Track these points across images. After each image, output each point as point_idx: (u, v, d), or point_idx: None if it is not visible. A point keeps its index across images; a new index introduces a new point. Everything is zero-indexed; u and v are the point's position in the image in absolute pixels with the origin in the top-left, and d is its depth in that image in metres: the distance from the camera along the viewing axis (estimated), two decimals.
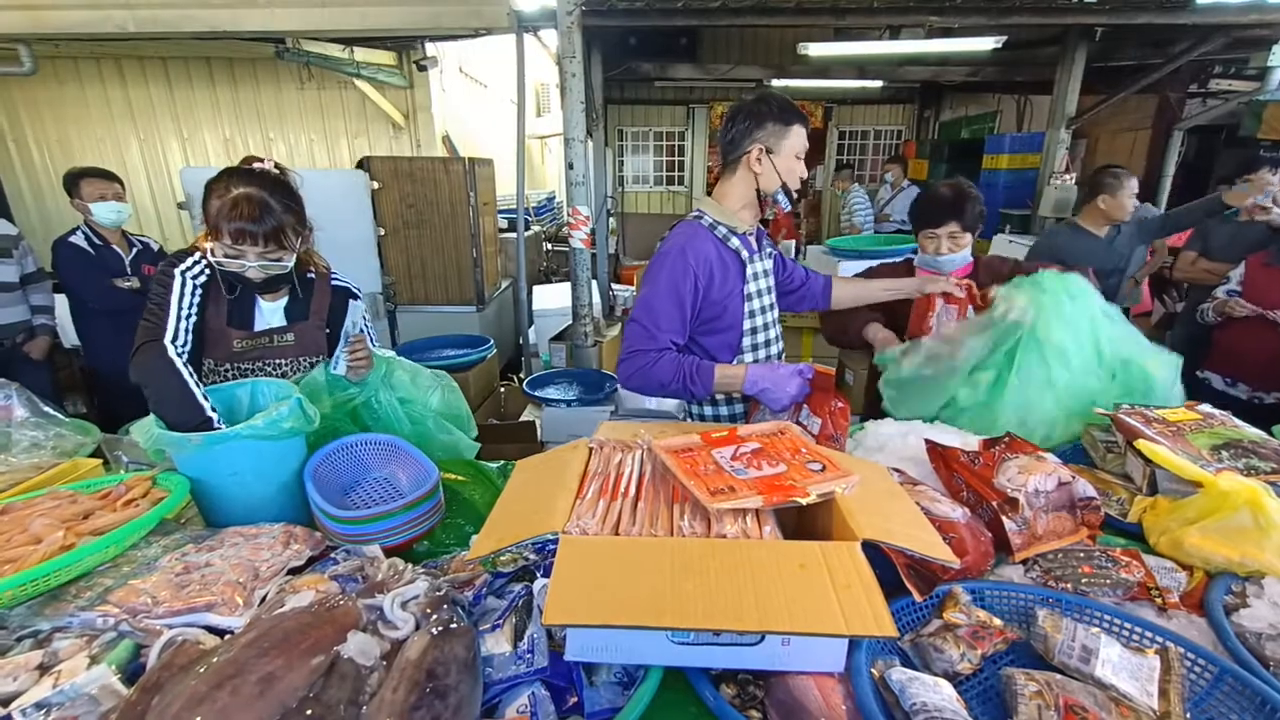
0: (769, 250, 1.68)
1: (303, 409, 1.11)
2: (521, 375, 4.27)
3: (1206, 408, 1.34)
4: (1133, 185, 3.04)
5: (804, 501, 0.85)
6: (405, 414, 1.45)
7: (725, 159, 1.52)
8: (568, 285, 3.79)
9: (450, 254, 4.31)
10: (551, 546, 0.86)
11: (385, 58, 5.26)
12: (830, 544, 0.79)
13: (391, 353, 1.51)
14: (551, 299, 4.53)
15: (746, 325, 1.55)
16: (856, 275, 2.17)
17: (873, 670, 0.74)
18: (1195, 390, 1.94)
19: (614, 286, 5.88)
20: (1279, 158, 4.38)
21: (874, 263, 4.29)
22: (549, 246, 6.65)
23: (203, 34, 4.40)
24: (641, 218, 9.22)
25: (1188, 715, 0.72)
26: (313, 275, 1.52)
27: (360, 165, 4.17)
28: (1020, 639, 0.83)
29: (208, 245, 1.34)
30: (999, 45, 5.29)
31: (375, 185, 4.03)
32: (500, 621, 0.81)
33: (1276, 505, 0.92)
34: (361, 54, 5.05)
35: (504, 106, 7.29)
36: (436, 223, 4.23)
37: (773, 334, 1.64)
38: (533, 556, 0.97)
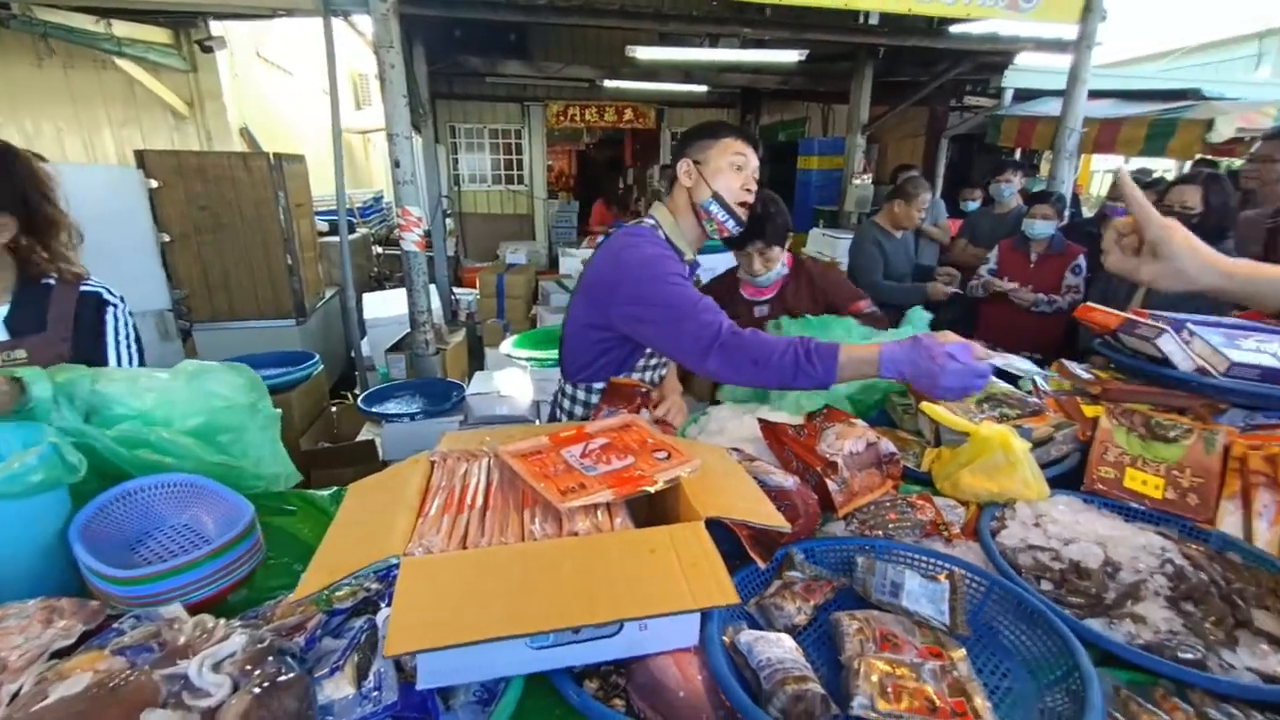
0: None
1: (60, 456, 0.91)
2: (356, 391, 3.93)
3: None
4: (924, 199, 3.28)
5: (652, 490, 0.87)
6: (121, 437, 1.06)
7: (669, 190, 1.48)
8: (403, 291, 3.55)
9: (259, 261, 3.80)
10: (395, 573, 0.80)
11: (157, 35, 4.50)
12: (677, 526, 0.82)
13: (79, 369, 1.10)
14: (385, 307, 4.22)
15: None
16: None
17: (724, 637, 0.79)
18: None
19: (455, 290, 5.64)
20: (1019, 161, 5.44)
21: (714, 256, 4.47)
22: (379, 250, 6.18)
23: None
24: (481, 218, 8.92)
25: (967, 622, 0.87)
26: (52, 281, 1.27)
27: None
28: (846, 585, 0.94)
29: None
30: (803, 58, 5.91)
31: (154, 184, 3.43)
32: (340, 663, 0.73)
33: (1020, 444, 1.14)
34: (124, 28, 4.27)
35: (316, 97, 6.62)
36: (238, 226, 3.70)
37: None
38: (375, 586, 0.89)
